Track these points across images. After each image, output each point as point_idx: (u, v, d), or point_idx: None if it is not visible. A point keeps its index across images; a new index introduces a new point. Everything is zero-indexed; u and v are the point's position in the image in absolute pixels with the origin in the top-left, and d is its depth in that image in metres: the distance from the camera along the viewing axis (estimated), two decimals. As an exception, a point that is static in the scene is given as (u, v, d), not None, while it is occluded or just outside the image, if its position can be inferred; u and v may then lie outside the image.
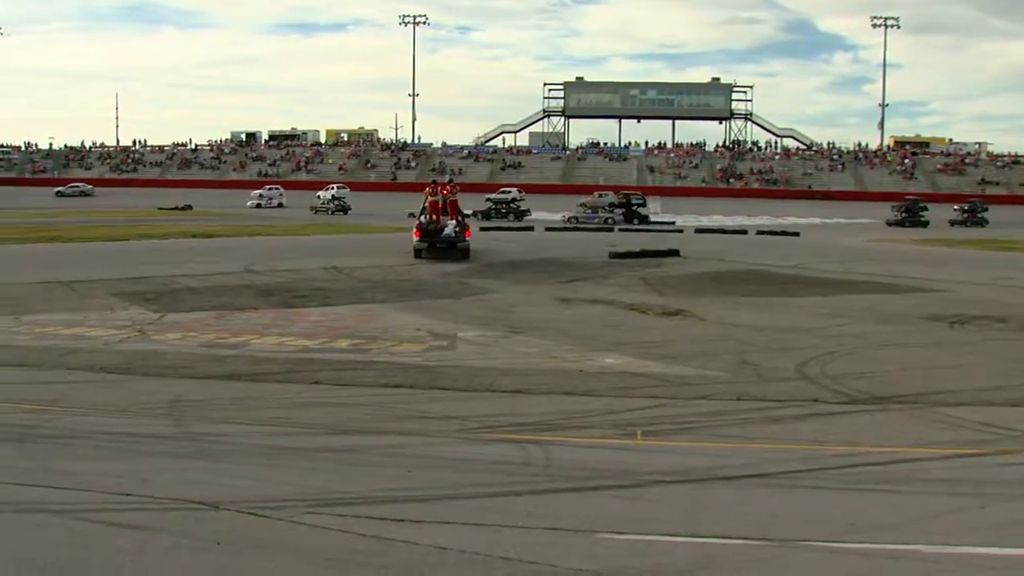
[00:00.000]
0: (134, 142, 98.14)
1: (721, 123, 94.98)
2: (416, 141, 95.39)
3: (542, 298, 17.69)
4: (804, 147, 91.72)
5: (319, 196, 54.07)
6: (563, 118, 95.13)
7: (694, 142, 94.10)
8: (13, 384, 10.12)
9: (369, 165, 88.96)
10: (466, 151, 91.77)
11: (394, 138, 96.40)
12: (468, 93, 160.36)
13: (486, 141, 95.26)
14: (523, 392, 9.89)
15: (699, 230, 39.85)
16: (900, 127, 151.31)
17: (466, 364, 11.31)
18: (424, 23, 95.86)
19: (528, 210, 46.61)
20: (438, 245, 24.86)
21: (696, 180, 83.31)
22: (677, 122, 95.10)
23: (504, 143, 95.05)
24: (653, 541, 5.52)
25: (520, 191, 56.19)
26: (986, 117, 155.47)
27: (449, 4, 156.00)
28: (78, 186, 69.10)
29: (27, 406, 8.92)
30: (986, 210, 48.09)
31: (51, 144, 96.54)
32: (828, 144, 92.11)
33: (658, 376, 10.79)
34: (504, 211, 45.83)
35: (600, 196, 48.71)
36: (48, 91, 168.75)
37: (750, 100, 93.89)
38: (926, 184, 78.20)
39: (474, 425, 8.49)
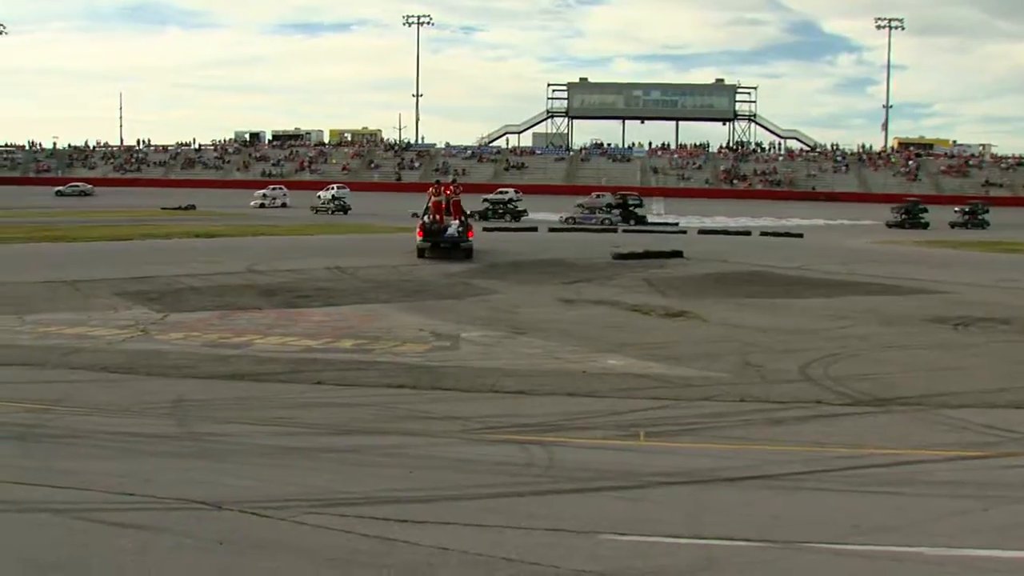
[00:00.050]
0: (138, 142, 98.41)
1: (725, 124, 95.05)
2: (420, 141, 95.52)
3: (545, 299, 17.68)
4: (808, 148, 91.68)
5: (319, 196, 54.30)
6: (567, 119, 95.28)
7: (698, 143, 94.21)
8: (16, 383, 10.13)
9: (373, 165, 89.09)
10: (470, 152, 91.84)
11: (398, 138, 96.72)
12: (472, 94, 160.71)
13: (490, 142, 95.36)
14: (526, 393, 9.87)
15: (702, 231, 39.81)
16: (904, 129, 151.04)
17: (469, 365, 11.30)
18: (428, 23, 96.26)
19: (525, 210, 46.74)
20: (441, 245, 24.91)
21: (700, 181, 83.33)
22: (681, 123, 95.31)
23: (508, 144, 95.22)
24: (656, 542, 5.52)
25: (517, 191, 56.54)
26: (990, 119, 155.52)
27: (453, 4, 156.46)
28: (78, 185, 69.17)
29: (30, 405, 8.93)
30: (987, 212, 47.87)
31: (55, 144, 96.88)
32: (832, 145, 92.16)
33: (661, 377, 10.78)
34: (501, 211, 45.96)
35: (597, 197, 48.93)
36: (52, 91, 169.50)
37: (754, 101, 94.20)
38: (930, 186, 78.16)
39: (477, 426, 8.48)
